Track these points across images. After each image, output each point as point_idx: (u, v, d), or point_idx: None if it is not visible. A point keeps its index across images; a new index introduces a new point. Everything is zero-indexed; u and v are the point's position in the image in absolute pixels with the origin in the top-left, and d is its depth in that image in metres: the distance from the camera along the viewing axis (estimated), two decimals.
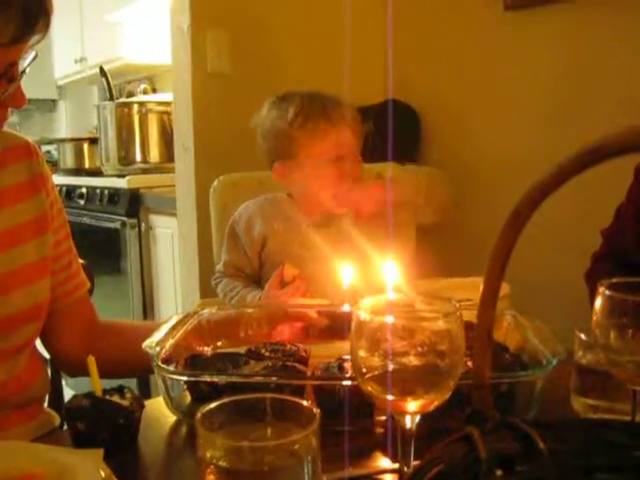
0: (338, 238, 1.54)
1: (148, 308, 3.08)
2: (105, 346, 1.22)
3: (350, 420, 0.87)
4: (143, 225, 3.02)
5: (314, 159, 1.57)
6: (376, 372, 0.63)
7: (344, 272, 1.23)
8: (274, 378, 0.88)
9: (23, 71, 0.99)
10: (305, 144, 1.57)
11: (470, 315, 1.10)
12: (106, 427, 0.84)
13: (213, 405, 0.62)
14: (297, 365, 0.94)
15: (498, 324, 1.10)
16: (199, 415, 0.59)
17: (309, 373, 0.95)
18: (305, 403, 0.61)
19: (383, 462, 0.84)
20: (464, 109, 2.49)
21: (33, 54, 0.99)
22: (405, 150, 2.55)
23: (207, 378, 0.92)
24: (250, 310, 1.25)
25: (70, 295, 1.23)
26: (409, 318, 0.63)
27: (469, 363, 0.93)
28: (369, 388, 0.63)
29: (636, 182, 1.43)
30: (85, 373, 0.92)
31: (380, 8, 2.66)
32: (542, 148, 2.10)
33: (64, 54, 4.58)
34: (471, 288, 1.34)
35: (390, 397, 0.62)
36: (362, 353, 0.63)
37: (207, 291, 1.88)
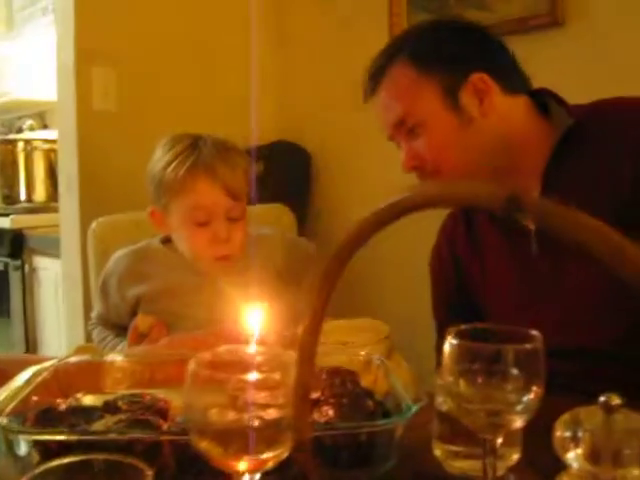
0: (220, 287, 1.47)
1: (31, 352, 2.95)
2: None
3: (204, 477, 0.83)
4: (27, 266, 2.90)
5: (182, 217, 1.46)
6: (210, 428, 0.60)
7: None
8: (112, 434, 0.83)
9: None
10: (174, 197, 1.45)
11: (340, 359, 1.09)
12: None
13: (40, 469, 0.58)
14: (151, 418, 0.89)
15: (367, 369, 1.09)
16: None
17: (165, 426, 0.90)
18: (138, 463, 0.57)
19: None
20: (354, 152, 2.53)
21: None
22: (296, 190, 2.56)
23: (34, 437, 0.84)
24: (118, 358, 1.19)
25: None
26: (242, 370, 0.60)
27: (330, 412, 0.91)
28: (203, 445, 0.60)
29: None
30: None
31: (271, 48, 2.68)
32: None
33: None
34: (349, 330, 1.33)
35: (224, 456, 0.59)
36: (196, 408, 0.60)
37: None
